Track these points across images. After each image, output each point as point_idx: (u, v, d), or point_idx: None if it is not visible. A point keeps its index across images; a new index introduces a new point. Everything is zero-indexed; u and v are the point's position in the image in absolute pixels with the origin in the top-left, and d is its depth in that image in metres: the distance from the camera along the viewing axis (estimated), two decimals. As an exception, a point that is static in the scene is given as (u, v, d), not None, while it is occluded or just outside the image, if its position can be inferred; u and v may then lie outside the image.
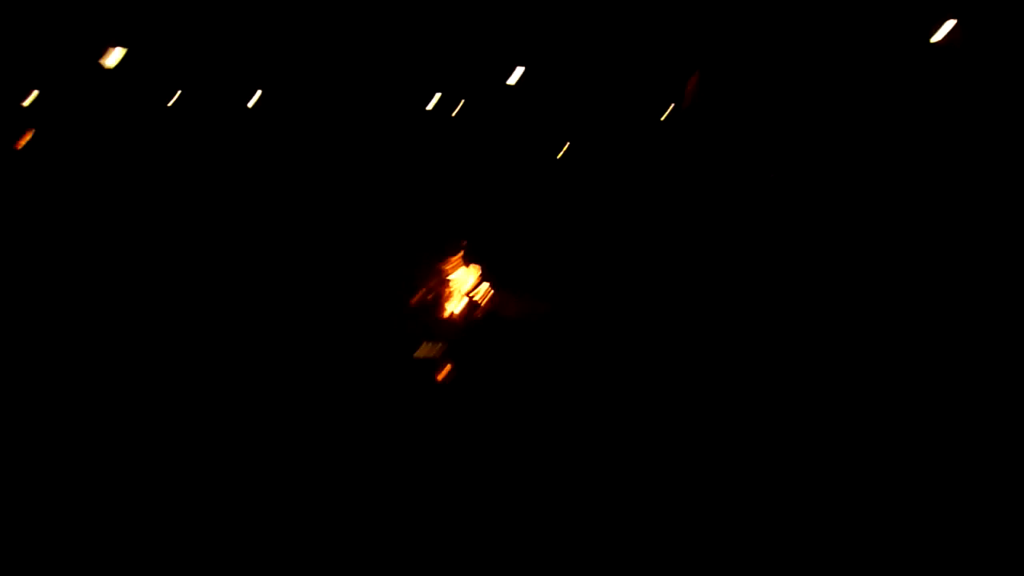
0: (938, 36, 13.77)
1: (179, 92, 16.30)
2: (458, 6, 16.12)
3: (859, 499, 6.02)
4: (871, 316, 9.83)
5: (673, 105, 17.80)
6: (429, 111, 18.49)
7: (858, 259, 12.43)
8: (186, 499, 5.35)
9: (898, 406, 7.49)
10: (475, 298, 9.64)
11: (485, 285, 9.75)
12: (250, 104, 16.99)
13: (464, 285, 9.87)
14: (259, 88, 17.28)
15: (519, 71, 16.76)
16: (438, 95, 18.31)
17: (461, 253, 10.19)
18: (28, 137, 15.93)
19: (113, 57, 14.62)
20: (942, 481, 6.47)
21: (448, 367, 7.80)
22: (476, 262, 10.18)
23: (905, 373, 8.00)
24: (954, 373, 8.43)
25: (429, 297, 9.78)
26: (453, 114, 19.48)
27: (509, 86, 17.69)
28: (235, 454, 5.85)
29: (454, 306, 9.57)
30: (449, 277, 9.92)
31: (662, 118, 18.44)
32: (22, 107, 15.57)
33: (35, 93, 15.02)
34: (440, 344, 8.23)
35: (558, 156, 18.65)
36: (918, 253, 12.56)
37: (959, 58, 12.61)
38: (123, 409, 6.67)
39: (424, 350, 8.10)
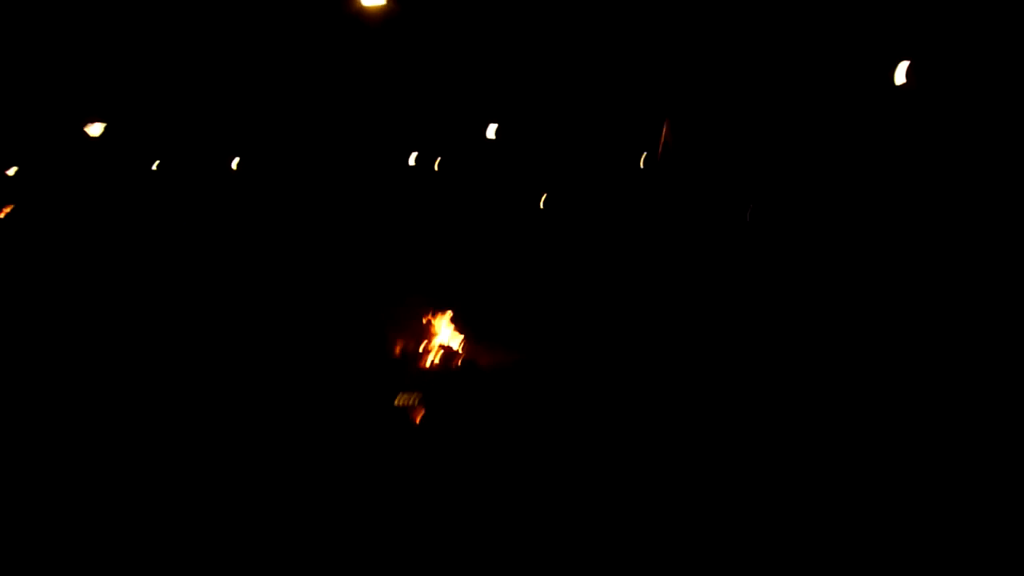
0: (898, 79, 14.17)
1: (157, 161, 16.70)
2: (434, 64, 16.55)
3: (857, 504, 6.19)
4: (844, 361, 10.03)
5: (646, 153, 18.17)
6: (409, 167, 18.84)
7: (832, 297, 12.65)
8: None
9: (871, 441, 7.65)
10: (452, 349, 9.81)
11: (461, 337, 9.95)
12: (233, 165, 17.36)
13: (442, 337, 10.05)
14: (241, 153, 17.64)
15: (493, 127, 17.16)
16: (415, 152, 18.70)
17: (439, 307, 10.42)
18: (7, 210, 16.27)
19: (95, 128, 14.99)
20: (936, 481, 6.64)
21: (423, 413, 7.95)
22: (454, 315, 10.39)
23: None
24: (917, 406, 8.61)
25: (409, 348, 9.93)
26: (434, 168, 19.81)
27: (488, 140, 18.06)
28: (219, 499, 5.95)
29: (432, 357, 9.73)
30: (428, 330, 10.11)
31: (640, 165, 18.79)
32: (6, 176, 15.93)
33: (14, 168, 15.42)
34: (418, 392, 8.37)
35: (540, 206, 18.95)
36: (888, 287, 12.78)
37: (917, 99, 13.00)
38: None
39: (403, 398, 8.25)
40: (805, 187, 15.39)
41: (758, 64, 15.51)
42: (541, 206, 18.90)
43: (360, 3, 12.97)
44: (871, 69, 14.70)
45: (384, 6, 12.72)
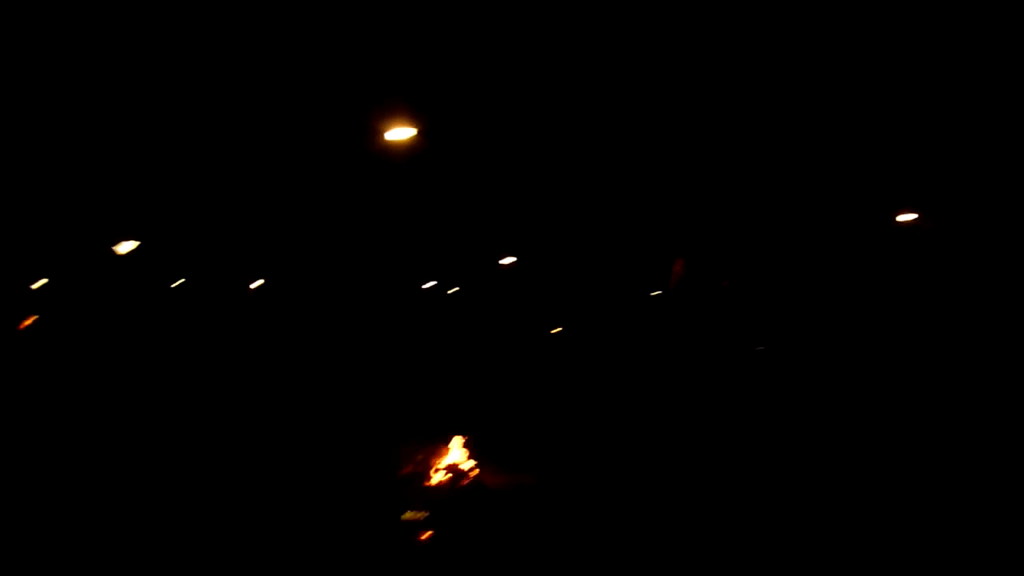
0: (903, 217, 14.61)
1: (183, 279, 17.14)
2: (457, 195, 17.16)
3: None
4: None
5: (660, 291, 18.57)
6: (424, 292, 19.26)
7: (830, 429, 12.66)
8: None
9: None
10: (461, 469, 9.78)
11: (471, 460, 9.96)
12: (252, 286, 17.82)
13: (452, 457, 10.05)
14: (262, 276, 18.13)
15: (510, 259, 17.65)
16: (433, 281, 19.16)
17: (450, 427, 10.50)
18: (31, 320, 16.56)
19: (126, 246, 15.47)
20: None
21: (430, 531, 7.89)
22: (464, 435, 10.44)
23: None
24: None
25: (419, 468, 9.92)
26: (448, 292, 20.19)
27: (502, 269, 18.48)
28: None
29: (441, 476, 9.69)
30: (438, 449, 10.13)
31: (651, 294, 19.18)
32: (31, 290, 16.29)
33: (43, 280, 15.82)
34: (425, 510, 8.34)
35: (552, 332, 19.24)
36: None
37: (914, 240, 13.45)
38: None
39: (410, 514, 8.21)
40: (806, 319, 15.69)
41: (758, 213, 16.18)
42: (552, 332, 19.20)
43: (384, 138, 13.50)
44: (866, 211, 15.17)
45: (410, 140, 13.25)
